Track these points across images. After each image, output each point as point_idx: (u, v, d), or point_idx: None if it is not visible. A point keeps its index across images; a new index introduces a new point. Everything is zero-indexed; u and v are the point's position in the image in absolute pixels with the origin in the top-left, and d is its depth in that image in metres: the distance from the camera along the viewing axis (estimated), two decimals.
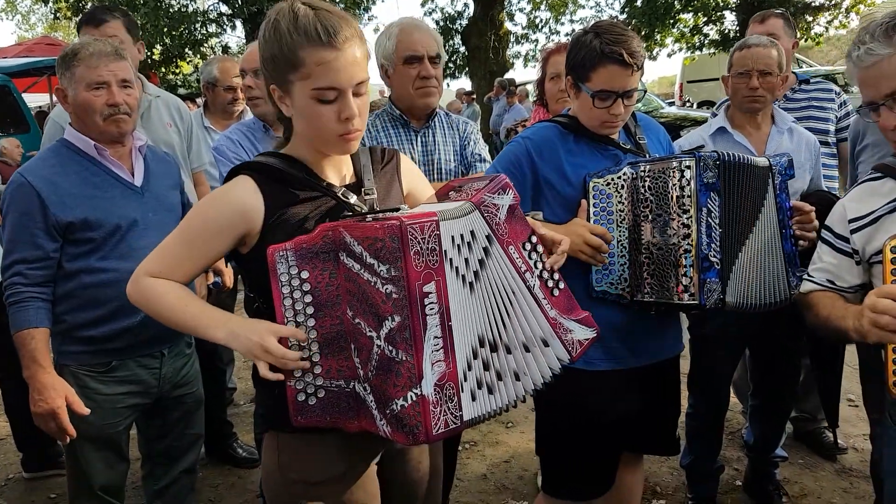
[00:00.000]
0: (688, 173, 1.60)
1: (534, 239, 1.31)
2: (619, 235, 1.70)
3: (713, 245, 1.61)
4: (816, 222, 1.82)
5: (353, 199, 1.28)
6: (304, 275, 1.12)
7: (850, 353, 2.30)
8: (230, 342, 1.17)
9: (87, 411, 1.75)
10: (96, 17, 2.50)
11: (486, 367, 1.18)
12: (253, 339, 1.13)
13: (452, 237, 1.13)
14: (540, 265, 1.31)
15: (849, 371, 2.42)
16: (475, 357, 1.17)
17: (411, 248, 1.05)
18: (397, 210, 1.14)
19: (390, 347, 1.07)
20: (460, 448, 3.03)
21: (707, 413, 2.47)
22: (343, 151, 1.28)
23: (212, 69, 3.32)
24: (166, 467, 2.06)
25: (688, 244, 1.60)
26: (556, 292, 1.33)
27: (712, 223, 1.62)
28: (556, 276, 1.34)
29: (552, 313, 1.29)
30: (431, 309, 1.07)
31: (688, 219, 1.60)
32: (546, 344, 1.28)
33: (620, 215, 1.69)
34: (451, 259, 1.12)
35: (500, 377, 1.21)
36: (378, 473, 1.38)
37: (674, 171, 1.61)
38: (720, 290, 1.62)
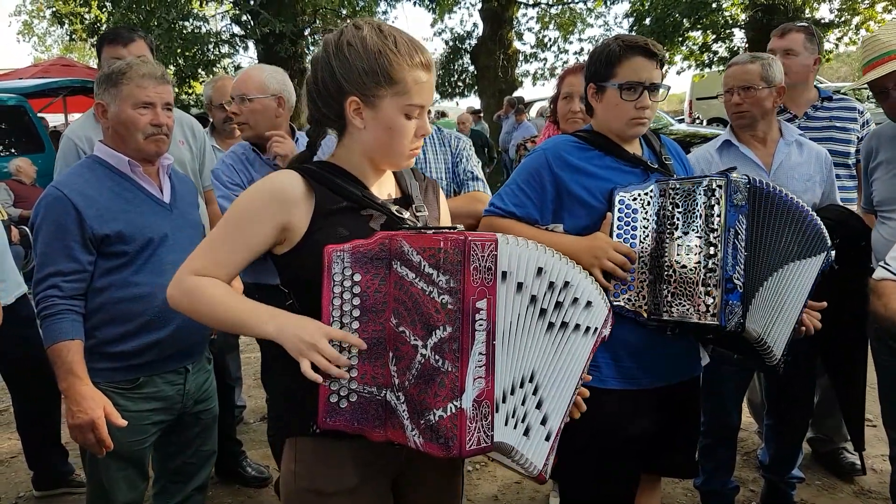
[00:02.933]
0: (718, 192, 1.59)
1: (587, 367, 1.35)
2: (641, 251, 1.69)
3: (738, 268, 1.59)
4: (819, 324, 1.80)
5: (406, 214, 1.31)
6: (357, 277, 1.15)
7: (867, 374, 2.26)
8: (279, 337, 1.17)
9: (124, 423, 1.74)
10: (124, 36, 2.52)
11: (524, 402, 1.19)
12: (304, 338, 1.14)
13: (540, 268, 1.18)
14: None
15: (866, 391, 2.38)
16: (521, 386, 1.18)
17: (471, 263, 1.08)
18: (454, 228, 1.18)
19: (437, 357, 1.09)
20: (471, 468, 3.00)
21: (716, 429, 2.43)
22: (402, 166, 1.35)
23: (209, 88, 3.35)
24: (180, 485, 2.05)
25: (713, 263, 1.58)
26: (569, 417, 1.33)
27: (738, 246, 1.60)
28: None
29: (562, 422, 1.28)
30: (480, 325, 1.09)
31: (715, 238, 1.58)
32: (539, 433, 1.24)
33: (644, 231, 1.68)
34: (522, 284, 1.15)
35: (542, 421, 1.22)
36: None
37: (704, 190, 1.60)
38: (741, 313, 1.59)
